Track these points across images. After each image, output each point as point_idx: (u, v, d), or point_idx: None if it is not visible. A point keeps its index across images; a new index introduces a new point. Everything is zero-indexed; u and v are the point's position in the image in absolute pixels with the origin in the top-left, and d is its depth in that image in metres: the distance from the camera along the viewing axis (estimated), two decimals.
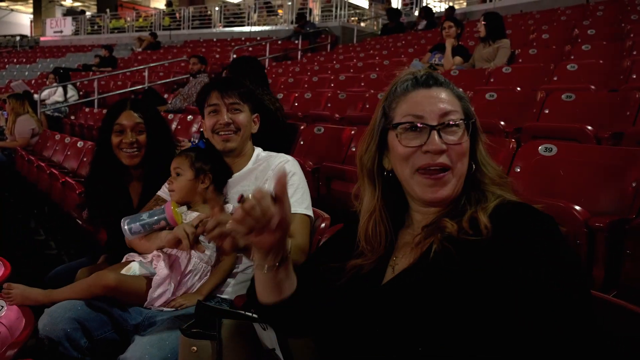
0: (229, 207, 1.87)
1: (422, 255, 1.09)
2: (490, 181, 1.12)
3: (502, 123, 3.05)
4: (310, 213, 1.90)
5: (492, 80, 4.66)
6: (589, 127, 2.68)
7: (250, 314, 1.30)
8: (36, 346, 1.57)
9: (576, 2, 9.22)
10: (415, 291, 1.05)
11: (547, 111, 3.35)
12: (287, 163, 1.96)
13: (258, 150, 2.08)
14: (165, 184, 2.00)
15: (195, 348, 1.22)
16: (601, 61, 4.30)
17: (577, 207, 1.82)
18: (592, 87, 3.61)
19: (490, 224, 1.02)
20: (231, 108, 1.96)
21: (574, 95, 3.28)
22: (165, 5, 20.20)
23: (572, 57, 4.93)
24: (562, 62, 4.52)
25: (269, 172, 1.93)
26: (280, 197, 1.02)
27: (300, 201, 1.87)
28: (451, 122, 1.10)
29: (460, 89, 1.18)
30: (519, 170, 2.33)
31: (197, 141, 4.30)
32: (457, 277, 1.00)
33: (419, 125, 1.10)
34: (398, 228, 1.22)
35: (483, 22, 5.29)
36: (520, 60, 5.42)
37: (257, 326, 1.25)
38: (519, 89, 3.96)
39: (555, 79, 4.24)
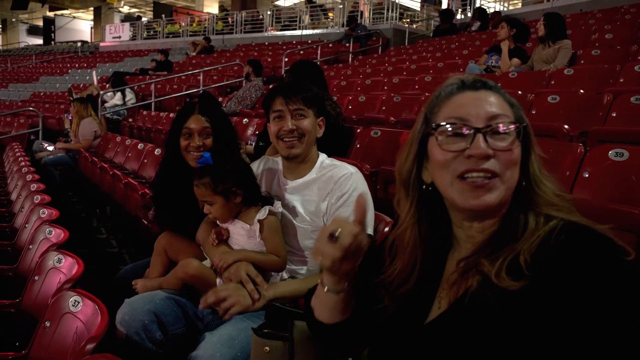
0: (278, 205, 1.89)
1: (460, 298, 0.98)
2: (545, 202, 0.97)
3: (566, 127, 2.96)
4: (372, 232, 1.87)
5: (552, 82, 4.53)
6: None
7: None
8: (111, 345, 1.63)
9: None
10: (451, 338, 0.95)
11: (614, 114, 3.23)
12: (352, 176, 1.90)
13: (322, 157, 2.03)
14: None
15: (268, 348, 1.25)
16: None
17: None
18: None
19: (532, 266, 0.89)
20: (295, 114, 1.93)
21: None
22: (219, 10, 20.58)
23: (639, 58, 4.72)
24: (629, 63, 4.33)
25: (332, 184, 1.89)
26: (360, 224, 1.01)
27: (369, 223, 1.83)
28: (500, 127, 0.97)
29: (513, 98, 1.06)
30: (587, 175, 2.26)
31: (252, 143, 4.37)
32: (493, 327, 0.90)
33: (463, 130, 0.98)
34: (447, 250, 1.10)
35: (543, 22, 5.14)
36: (582, 62, 5.24)
37: None
38: (582, 91, 3.83)
39: (621, 80, 4.07)
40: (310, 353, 1.23)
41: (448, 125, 0.99)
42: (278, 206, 1.88)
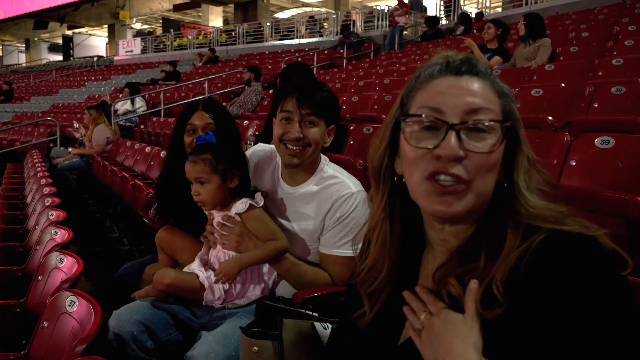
0: (259, 197, 1.67)
1: None
2: (529, 214, 0.76)
3: (550, 118, 2.82)
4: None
5: (535, 77, 4.38)
6: None
7: (310, 313, 1.18)
8: (105, 346, 1.50)
9: (612, 1, 8.70)
10: None
11: (596, 105, 3.09)
12: (352, 196, 1.62)
13: (323, 164, 1.73)
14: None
15: (256, 348, 1.11)
16: None
17: None
18: None
19: (506, 292, 0.72)
20: (305, 120, 1.62)
21: (624, 89, 3.00)
22: (223, 23, 20.49)
23: (615, 53, 4.58)
24: (606, 58, 4.19)
25: (330, 203, 1.63)
26: None
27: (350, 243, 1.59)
28: (480, 122, 0.76)
29: (507, 85, 0.84)
30: (574, 163, 2.11)
31: (251, 143, 4.23)
32: None
33: (436, 123, 0.77)
34: (421, 251, 0.91)
35: (523, 22, 5.00)
36: (561, 58, 5.09)
37: (318, 325, 1.13)
38: (562, 85, 3.68)
39: (600, 74, 3.93)
40: (300, 351, 1.08)
41: (419, 117, 0.79)
42: (259, 199, 1.66)
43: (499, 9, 12.95)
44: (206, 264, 1.70)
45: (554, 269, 0.69)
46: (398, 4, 11.97)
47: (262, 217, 1.65)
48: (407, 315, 0.81)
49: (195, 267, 1.68)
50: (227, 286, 1.64)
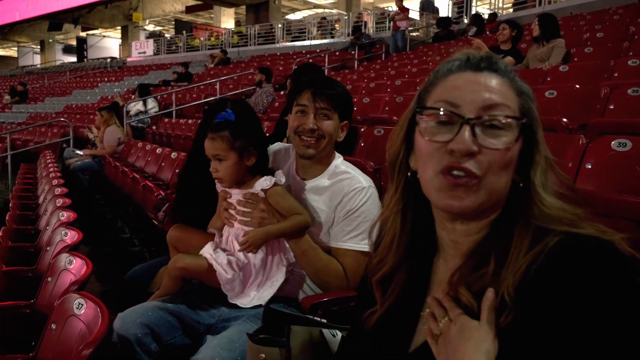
0: (280, 175, 1.68)
1: None
2: (544, 215, 0.74)
3: (565, 120, 2.76)
4: (367, 248, 1.60)
5: (548, 79, 4.32)
6: None
7: (319, 319, 1.15)
8: (113, 349, 1.49)
9: (627, 1, 8.57)
10: None
11: (612, 107, 3.02)
12: (363, 191, 1.65)
13: (338, 160, 1.76)
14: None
15: (263, 355, 1.08)
16: None
17: None
18: None
19: (517, 298, 0.69)
20: (320, 113, 1.67)
21: None
22: (234, 24, 20.54)
23: (631, 54, 4.50)
24: (622, 59, 4.12)
25: (341, 196, 1.66)
26: None
27: (361, 237, 1.63)
28: (494, 120, 0.75)
29: (527, 85, 0.82)
30: (590, 167, 2.06)
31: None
32: None
33: (451, 117, 0.76)
34: (432, 253, 0.89)
35: (537, 23, 4.93)
36: (575, 59, 5.01)
37: (326, 332, 1.10)
38: (577, 86, 3.62)
39: (615, 75, 3.86)
40: (308, 359, 1.06)
41: (435, 109, 0.78)
42: (281, 177, 1.67)
43: (510, 10, 12.82)
44: (217, 247, 1.69)
45: (568, 274, 0.66)
46: (399, 9, 11.90)
47: (285, 193, 1.66)
48: (428, 321, 0.79)
49: (204, 250, 1.67)
50: (243, 260, 1.62)
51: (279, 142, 1.97)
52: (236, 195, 1.68)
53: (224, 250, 1.67)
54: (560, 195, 0.77)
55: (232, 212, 1.67)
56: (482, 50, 4.98)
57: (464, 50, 0.84)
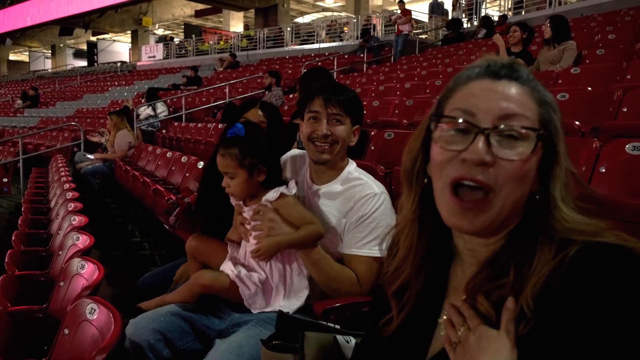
0: (292, 185, 1.67)
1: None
2: (564, 228, 0.72)
3: (577, 123, 2.74)
4: (379, 254, 1.59)
5: (560, 81, 4.28)
6: None
7: (332, 326, 1.15)
8: (125, 354, 1.49)
9: (639, 2, 8.47)
10: None
11: (625, 110, 2.99)
12: (374, 197, 1.64)
13: (351, 167, 1.77)
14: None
15: None
16: None
17: None
18: None
19: (537, 307, 0.68)
20: (332, 119, 1.68)
21: None
22: (243, 28, 20.62)
23: None
24: (635, 61, 4.08)
25: (353, 202, 1.66)
26: None
27: (373, 243, 1.62)
28: (511, 130, 0.72)
29: (550, 94, 0.79)
30: (604, 170, 2.04)
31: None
32: None
33: (466, 126, 0.74)
34: (449, 261, 0.88)
35: (548, 25, 4.89)
36: (587, 61, 4.97)
37: (340, 338, 1.10)
38: (589, 88, 3.58)
39: (628, 77, 3.82)
40: None
41: (451, 118, 0.77)
42: (292, 187, 1.66)
43: (522, 12, 12.74)
44: (236, 263, 1.70)
45: (590, 282, 0.64)
46: (401, 12, 11.88)
47: (296, 204, 1.64)
48: (447, 328, 0.78)
49: (225, 267, 1.68)
50: (262, 275, 1.62)
51: (295, 149, 1.98)
52: (248, 210, 1.69)
53: (244, 265, 1.68)
54: (581, 209, 0.75)
55: (248, 227, 1.67)
56: (500, 49, 4.96)
57: (486, 56, 0.82)
